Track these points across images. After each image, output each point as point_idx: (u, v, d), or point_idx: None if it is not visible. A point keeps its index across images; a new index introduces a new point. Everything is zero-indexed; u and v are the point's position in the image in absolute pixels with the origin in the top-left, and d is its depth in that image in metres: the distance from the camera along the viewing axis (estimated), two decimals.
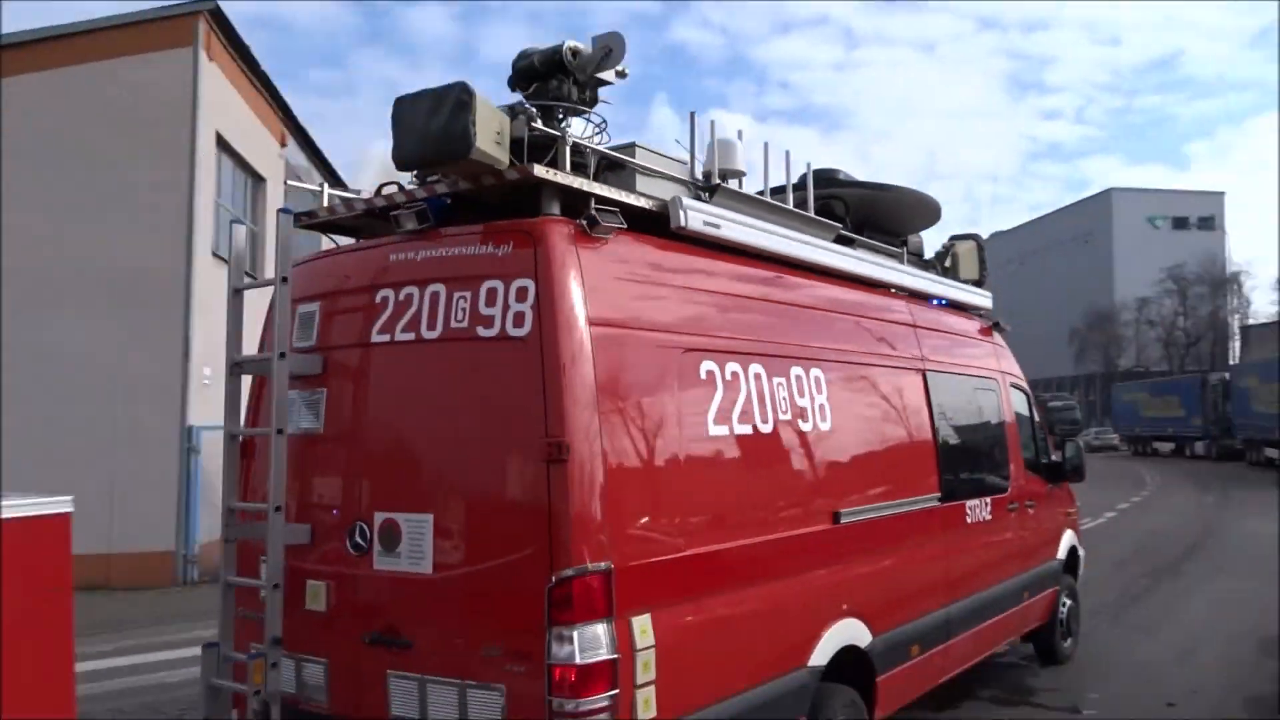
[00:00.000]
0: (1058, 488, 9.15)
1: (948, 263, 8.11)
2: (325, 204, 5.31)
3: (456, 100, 4.21)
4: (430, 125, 4.27)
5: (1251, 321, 71.35)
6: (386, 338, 4.61)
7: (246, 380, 5.06)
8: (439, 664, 4.28)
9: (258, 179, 19.62)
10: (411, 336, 4.52)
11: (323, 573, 4.67)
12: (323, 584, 4.66)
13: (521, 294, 4.25)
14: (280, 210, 4.68)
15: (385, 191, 4.99)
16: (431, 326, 4.47)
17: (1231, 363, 60.61)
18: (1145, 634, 10.63)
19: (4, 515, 2.86)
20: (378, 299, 4.67)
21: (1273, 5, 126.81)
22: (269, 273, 18.49)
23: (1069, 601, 9.30)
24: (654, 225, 4.87)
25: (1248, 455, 40.26)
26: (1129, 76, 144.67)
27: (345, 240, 5.41)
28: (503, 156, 4.37)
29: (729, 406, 4.93)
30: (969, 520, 7.15)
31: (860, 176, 7.17)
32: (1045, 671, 8.98)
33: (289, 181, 5.23)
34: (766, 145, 5.84)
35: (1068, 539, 9.35)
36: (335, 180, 24.67)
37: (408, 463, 4.56)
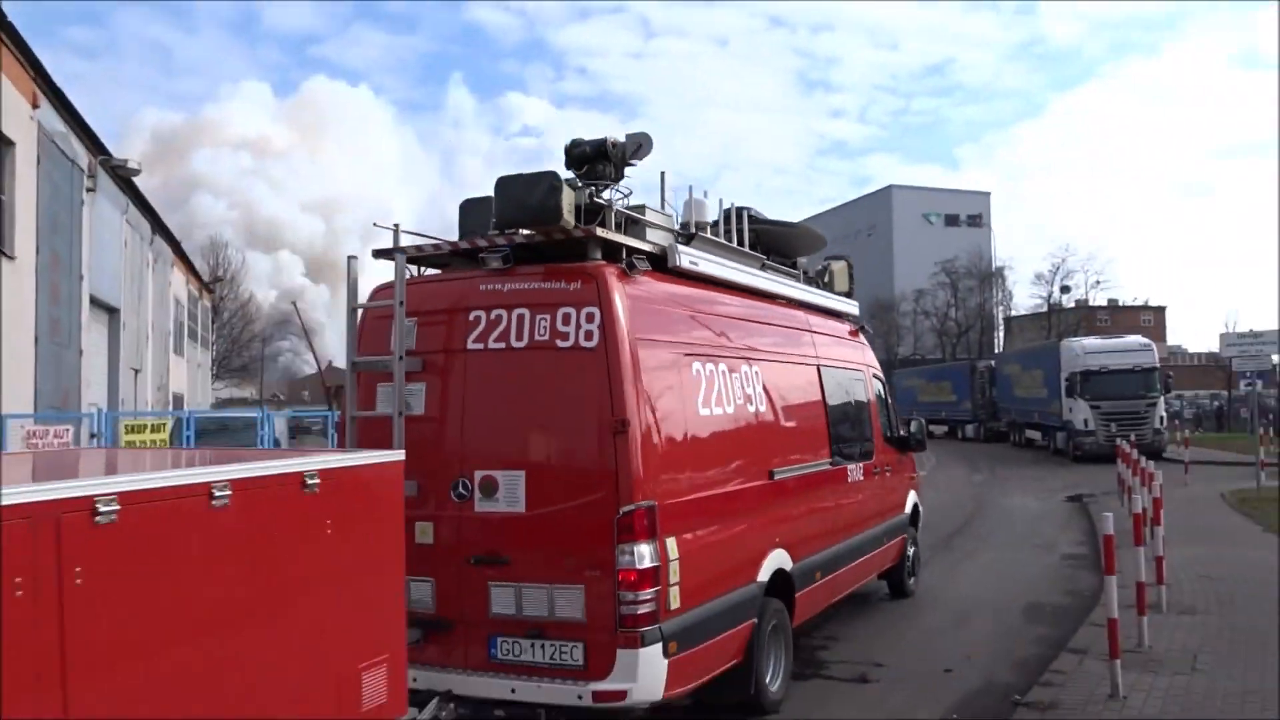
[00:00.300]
0: (905, 456, 11.91)
1: (826, 278, 10.61)
2: (400, 241, 7.06)
3: (550, 185, 6.28)
4: (529, 199, 6.31)
5: (1014, 313, 78.65)
6: (480, 346, 6.55)
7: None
8: (531, 574, 6.29)
9: (6, 143, 18.46)
10: (503, 345, 6.49)
11: (429, 516, 6.56)
12: (430, 523, 6.55)
13: (590, 317, 6.31)
14: (397, 251, 6.52)
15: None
16: (519, 339, 6.46)
17: (997, 351, 66.64)
18: (925, 605, 11.71)
19: (360, 463, 4.61)
20: (471, 317, 6.60)
21: (1032, 20, 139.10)
22: (20, 245, 17.92)
23: (913, 547, 12.14)
24: (655, 262, 6.99)
25: (1011, 436, 43.87)
26: (906, 80, 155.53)
27: (413, 269, 7.22)
28: (572, 220, 6.40)
29: (709, 394, 7.16)
30: (849, 480, 9.72)
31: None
32: (834, 645, 9.79)
33: (376, 222, 6.92)
34: (721, 200, 8.08)
35: (912, 497, 12.22)
36: (99, 147, 24.32)
37: (502, 434, 6.51)
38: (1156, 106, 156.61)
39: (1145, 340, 36.46)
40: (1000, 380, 46.24)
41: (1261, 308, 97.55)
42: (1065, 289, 71.72)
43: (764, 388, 8.00)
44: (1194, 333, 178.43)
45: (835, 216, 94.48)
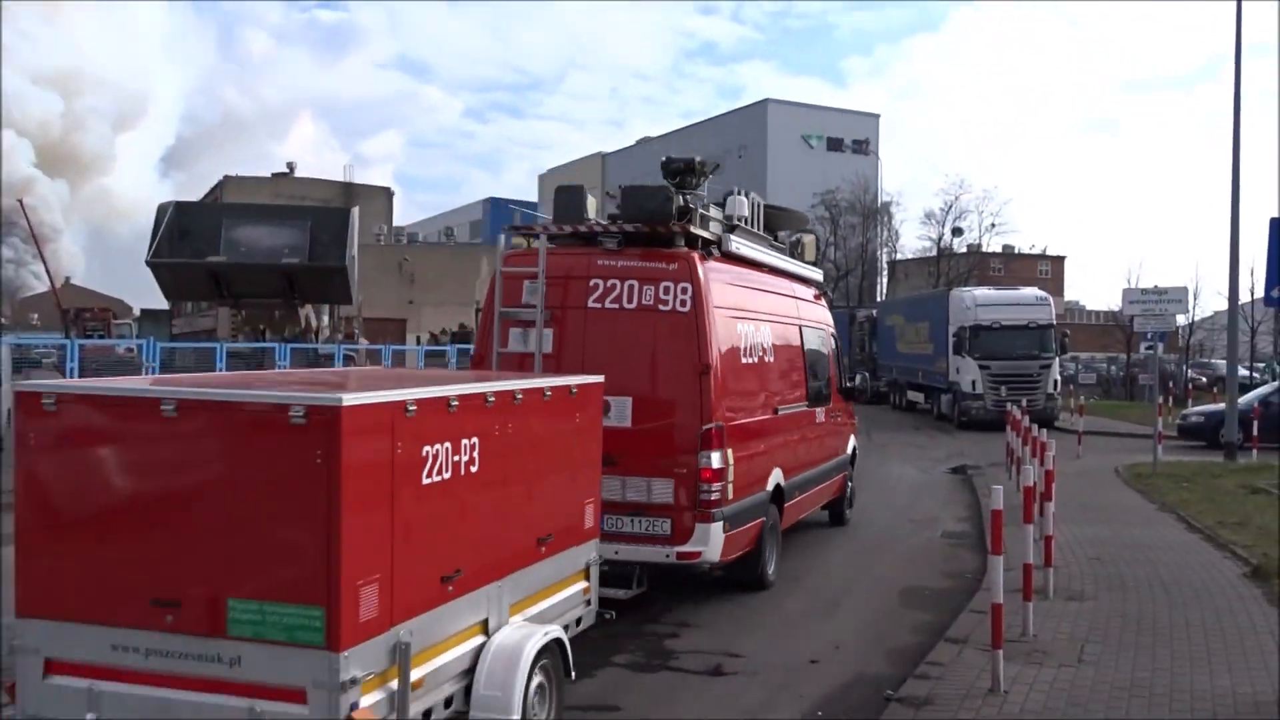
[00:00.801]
0: (849, 404, 17.28)
1: (799, 249, 15.65)
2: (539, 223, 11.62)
3: (665, 195, 11.08)
4: (649, 204, 11.07)
5: (900, 256, 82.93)
6: (599, 305, 11.23)
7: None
8: (634, 470, 11.03)
9: None
10: (616, 306, 11.19)
11: None
12: None
13: (684, 290, 11.06)
14: (544, 232, 11.11)
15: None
16: (630, 302, 11.15)
17: (880, 299, 71.40)
18: (790, 587, 12.85)
19: (588, 381, 9.10)
20: (591, 284, 11.25)
21: None
22: None
23: (851, 484, 17.54)
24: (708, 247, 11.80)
25: (892, 398, 47.00)
26: None
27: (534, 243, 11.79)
28: (671, 217, 11.12)
29: (747, 347, 12.07)
30: (816, 420, 14.97)
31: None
32: (686, 633, 10.90)
33: (511, 206, 11.30)
34: (751, 197, 12.95)
35: (852, 441, 17.70)
36: None
37: (615, 370, 11.03)
38: (1064, 28, 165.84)
39: (1042, 293, 39.62)
40: (882, 333, 49.95)
41: (1166, 262, 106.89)
42: (957, 231, 76.00)
43: (772, 342, 12.96)
44: (1093, 288, 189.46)
45: (702, 132, 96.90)
